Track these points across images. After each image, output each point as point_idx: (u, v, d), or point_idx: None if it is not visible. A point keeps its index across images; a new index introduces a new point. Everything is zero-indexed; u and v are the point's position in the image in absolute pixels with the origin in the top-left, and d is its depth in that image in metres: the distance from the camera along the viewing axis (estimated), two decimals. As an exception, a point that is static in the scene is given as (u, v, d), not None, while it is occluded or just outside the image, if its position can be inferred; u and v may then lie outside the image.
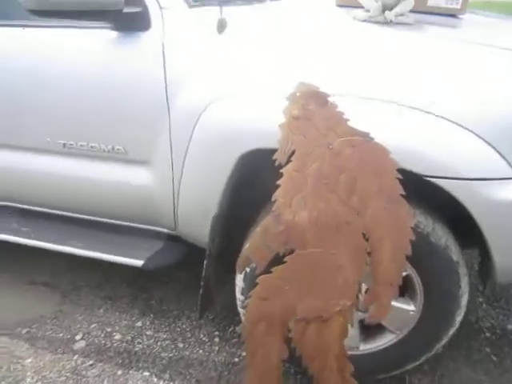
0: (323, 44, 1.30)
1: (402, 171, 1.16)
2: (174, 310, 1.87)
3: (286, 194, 1.21)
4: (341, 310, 1.22)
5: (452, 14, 1.55)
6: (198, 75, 1.36)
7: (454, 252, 1.31)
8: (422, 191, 1.25)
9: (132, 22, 1.41)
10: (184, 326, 1.79)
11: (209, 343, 1.71)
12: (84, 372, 1.58)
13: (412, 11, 1.38)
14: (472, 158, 1.19)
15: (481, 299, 1.98)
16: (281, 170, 1.21)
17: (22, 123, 1.62)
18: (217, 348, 1.69)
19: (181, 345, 1.70)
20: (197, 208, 1.47)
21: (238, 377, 1.55)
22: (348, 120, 1.20)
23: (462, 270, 1.33)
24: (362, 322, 1.41)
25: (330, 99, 1.21)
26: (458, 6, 1.52)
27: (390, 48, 1.26)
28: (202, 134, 1.37)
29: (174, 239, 1.65)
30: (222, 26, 1.35)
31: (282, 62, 1.30)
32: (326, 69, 1.25)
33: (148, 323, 1.80)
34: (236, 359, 1.64)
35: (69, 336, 1.74)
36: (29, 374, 1.57)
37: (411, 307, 1.38)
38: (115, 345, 1.70)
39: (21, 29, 1.57)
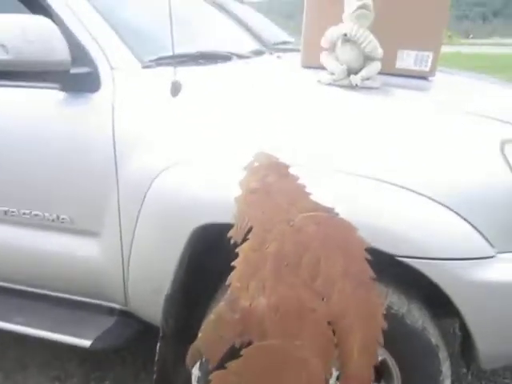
0: (284, 110, 1.21)
1: (371, 250, 1.05)
2: (130, 392, 1.68)
3: (241, 276, 1.07)
4: (306, 411, 1.06)
5: (422, 76, 1.48)
6: (150, 140, 1.26)
7: (433, 334, 1.19)
8: (396, 269, 1.13)
9: (80, 83, 1.31)
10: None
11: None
12: None
13: (380, 73, 1.31)
14: (446, 235, 1.08)
15: (465, 370, 1.84)
16: (236, 250, 1.09)
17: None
18: None
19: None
20: (148, 284, 1.33)
21: None
22: (310, 194, 1.09)
23: (443, 354, 1.20)
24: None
25: (290, 171, 1.11)
26: (427, 69, 1.46)
27: (354, 116, 1.16)
28: (152, 203, 1.24)
29: (128, 315, 1.49)
30: (175, 89, 1.25)
31: (240, 129, 1.20)
32: (287, 137, 1.15)
33: (100, 409, 1.61)
34: None
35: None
36: None
37: (388, 395, 1.23)
38: None
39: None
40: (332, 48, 1.32)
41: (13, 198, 1.44)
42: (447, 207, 1.07)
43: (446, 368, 1.21)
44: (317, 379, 1.07)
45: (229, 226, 1.11)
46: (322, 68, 1.35)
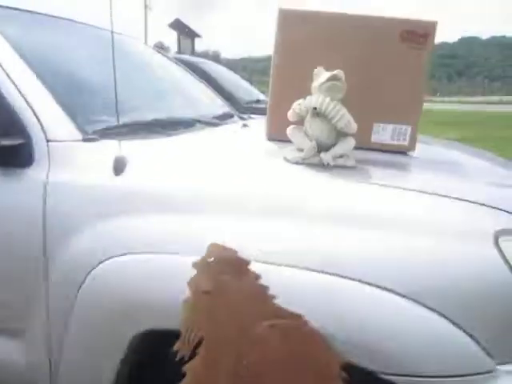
0: (241, 196, 1.03)
1: (349, 367, 0.86)
2: None
3: (189, 404, 0.86)
4: None
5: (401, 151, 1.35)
6: (86, 225, 1.06)
7: None
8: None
9: (10, 156, 1.12)
10: None
11: None
12: None
13: (355, 148, 1.16)
14: (441, 348, 0.89)
15: None
16: (183, 368, 0.88)
17: None
18: None
19: None
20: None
21: None
22: (274, 297, 0.90)
23: None
24: None
25: (251, 268, 0.92)
26: (406, 143, 1.32)
27: (327, 205, 0.99)
28: (86, 302, 1.03)
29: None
30: (119, 166, 1.08)
31: (191, 215, 1.01)
32: (244, 228, 0.97)
33: None
34: None
35: None
36: None
37: None
38: None
39: None
40: (300, 122, 1.17)
41: None
42: (439, 313, 0.89)
43: None
44: None
45: (175, 334, 0.91)
46: (290, 141, 1.20)
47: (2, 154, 1.12)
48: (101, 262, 1.02)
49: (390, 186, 1.03)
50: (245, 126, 1.67)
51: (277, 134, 1.32)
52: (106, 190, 1.09)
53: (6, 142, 1.11)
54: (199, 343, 0.90)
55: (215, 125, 1.71)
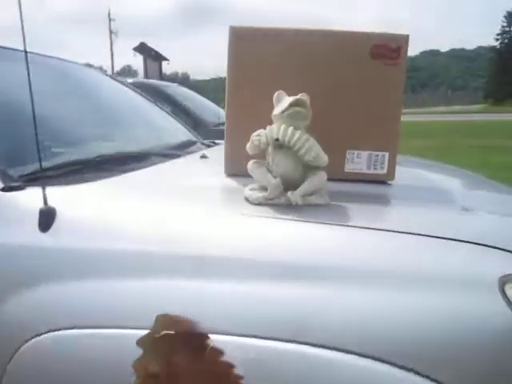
0: (195, 256, 0.83)
1: None
2: None
3: None
4: None
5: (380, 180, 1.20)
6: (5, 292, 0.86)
7: None
8: None
9: None
10: None
11: None
12: None
13: (328, 179, 0.99)
14: None
15: None
16: None
17: None
18: None
19: None
20: None
21: None
22: (241, 378, 0.73)
23: None
24: None
25: (210, 342, 0.75)
26: (384, 171, 1.17)
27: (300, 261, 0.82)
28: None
29: None
30: (46, 220, 0.89)
31: (133, 280, 0.83)
32: (199, 293, 0.80)
33: None
34: None
35: None
36: None
37: None
38: None
39: None
40: (261, 155, 1.01)
41: None
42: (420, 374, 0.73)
43: None
44: None
45: None
46: (247, 177, 1.03)
47: None
48: (31, 339, 0.83)
49: (369, 228, 0.86)
50: (203, 157, 1.50)
51: (235, 169, 1.15)
52: (30, 246, 0.89)
53: None
54: None
55: (172, 157, 1.53)
